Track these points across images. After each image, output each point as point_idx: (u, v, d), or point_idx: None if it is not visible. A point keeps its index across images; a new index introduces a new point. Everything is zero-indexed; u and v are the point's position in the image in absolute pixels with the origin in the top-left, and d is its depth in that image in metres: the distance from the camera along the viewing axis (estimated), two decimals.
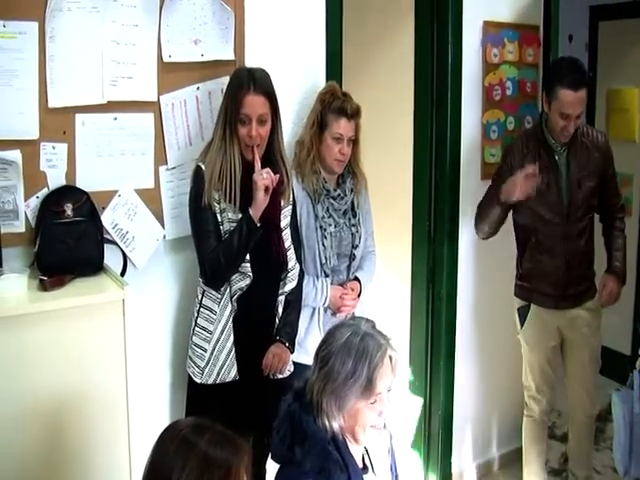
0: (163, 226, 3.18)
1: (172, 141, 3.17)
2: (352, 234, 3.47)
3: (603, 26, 5.98)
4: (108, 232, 3.02)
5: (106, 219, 3.01)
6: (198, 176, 2.99)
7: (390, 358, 2.26)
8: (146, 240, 3.13)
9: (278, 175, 3.01)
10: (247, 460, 1.92)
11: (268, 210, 3.00)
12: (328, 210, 3.39)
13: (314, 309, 3.40)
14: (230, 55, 3.28)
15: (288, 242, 3.15)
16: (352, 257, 3.48)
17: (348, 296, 3.42)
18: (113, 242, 3.03)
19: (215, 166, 2.95)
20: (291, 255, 3.15)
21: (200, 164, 3.00)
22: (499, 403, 4.60)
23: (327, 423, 2.25)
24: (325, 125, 3.33)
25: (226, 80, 3.11)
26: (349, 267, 3.49)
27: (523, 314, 3.89)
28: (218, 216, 2.98)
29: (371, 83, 4.33)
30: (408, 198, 4.10)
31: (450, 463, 4.39)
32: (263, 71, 3.06)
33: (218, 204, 2.97)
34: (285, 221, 3.14)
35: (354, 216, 3.49)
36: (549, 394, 4.00)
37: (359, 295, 3.48)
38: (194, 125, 3.23)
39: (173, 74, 3.14)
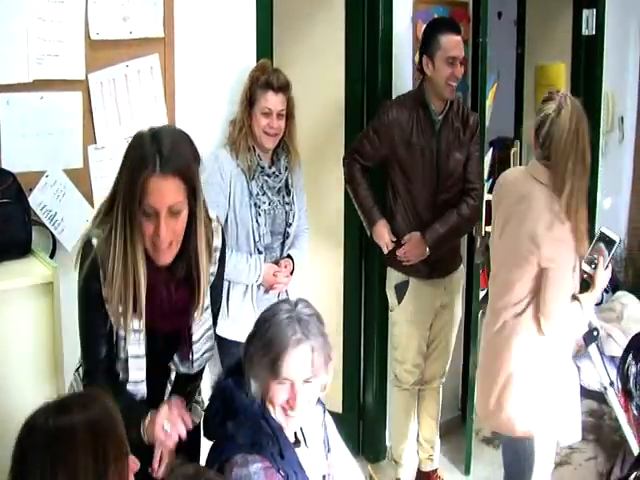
0: (93, 206, 3.12)
1: (101, 120, 3.12)
2: (286, 212, 3.50)
3: (531, 3, 6.04)
4: (36, 214, 2.97)
5: (34, 201, 2.96)
6: (89, 259, 2.27)
7: (312, 349, 2.26)
8: (75, 221, 3.07)
9: (189, 419, 2.35)
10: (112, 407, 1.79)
11: (176, 322, 2.42)
12: (262, 187, 3.41)
13: (247, 286, 3.42)
14: (160, 32, 3.23)
15: (204, 328, 2.50)
16: (286, 235, 3.51)
17: (281, 273, 3.45)
18: (41, 224, 2.99)
19: (115, 263, 2.22)
20: (202, 358, 2.53)
21: (92, 238, 2.28)
22: None
23: (252, 394, 2.28)
24: (254, 101, 3.35)
25: (156, 59, 3.08)
26: (283, 245, 3.52)
27: (402, 289, 3.92)
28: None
29: (302, 61, 4.31)
30: (341, 171, 4.10)
31: (384, 435, 4.45)
32: (176, 134, 2.33)
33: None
34: (207, 301, 2.46)
35: (288, 194, 3.52)
36: (423, 365, 4.08)
37: (292, 273, 3.51)
38: (124, 104, 3.18)
39: (101, 52, 3.08)
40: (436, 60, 3.68)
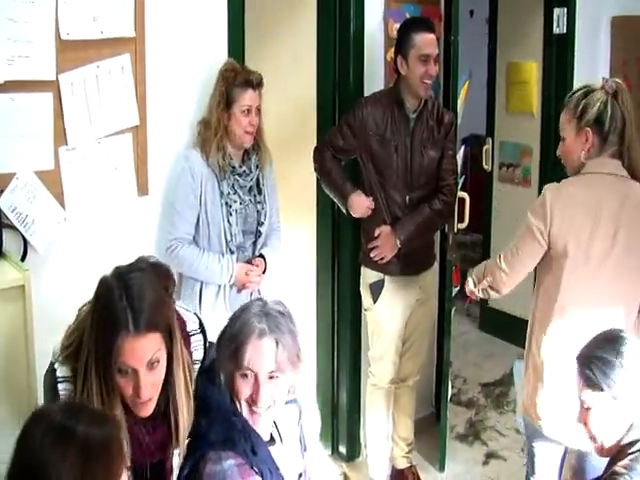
0: (64, 208, 3.12)
1: (72, 121, 3.10)
2: (258, 211, 3.50)
3: (502, 2, 6.08)
4: (7, 216, 2.95)
5: (4, 203, 2.93)
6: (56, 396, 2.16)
7: (276, 343, 2.27)
8: (47, 223, 3.06)
9: None
10: (122, 428, 1.86)
11: (158, 455, 2.36)
12: (233, 187, 3.41)
13: (220, 286, 3.41)
14: (130, 32, 3.22)
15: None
16: (258, 234, 3.52)
17: (253, 273, 3.45)
18: (12, 226, 2.97)
19: None
20: None
21: (56, 366, 2.19)
22: None
23: (223, 391, 2.29)
24: (232, 100, 3.34)
25: (127, 59, 3.07)
26: (255, 244, 3.53)
27: (377, 288, 3.92)
28: None
29: (273, 60, 4.31)
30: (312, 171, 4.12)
31: (358, 433, 4.45)
32: (145, 276, 2.15)
33: None
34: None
35: (259, 193, 3.52)
36: (399, 363, 4.09)
37: (264, 272, 3.51)
38: (95, 104, 3.16)
39: (72, 52, 3.06)
40: (410, 59, 3.69)
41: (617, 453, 2.41)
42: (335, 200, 3.98)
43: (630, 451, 2.36)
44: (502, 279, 3.05)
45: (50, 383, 2.20)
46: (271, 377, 2.27)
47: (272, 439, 2.41)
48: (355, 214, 3.89)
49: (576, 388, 2.47)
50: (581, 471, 3.08)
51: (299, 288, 4.41)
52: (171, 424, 2.25)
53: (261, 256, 3.52)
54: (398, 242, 3.80)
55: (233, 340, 2.27)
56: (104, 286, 2.13)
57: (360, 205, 3.84)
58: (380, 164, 3.80)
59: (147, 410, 2.16)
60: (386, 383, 4.08)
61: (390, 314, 3.94)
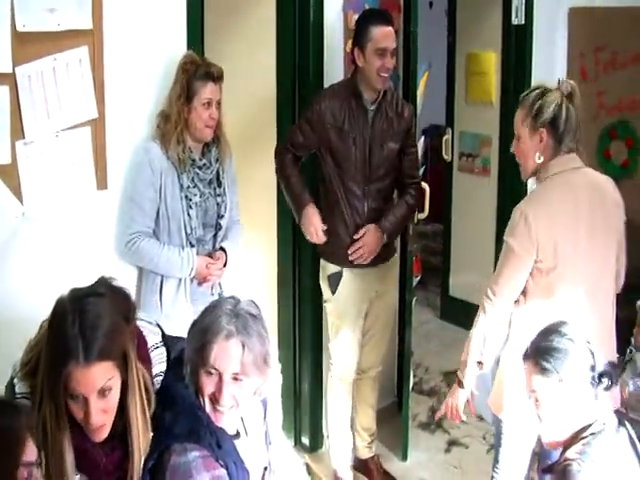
0: (22, 202, 3.08)
1: (29, 115, 3.06)
2: (218, 204, 3.49)
3: None
4: None
5: None
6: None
7: (242, 345, 2.27)
8: (4, 218, 3.04)
9: None
10: (29, 421, 1.85)
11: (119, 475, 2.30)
12: (193, 180, 3.39)
13: (180, 280, 3.39)
14: (88, 24, 3.18)
15: None
16: (218, 227, 3.51)
17: (214, 266, 3.44)
18: None
19: (42, 451, 1.99)
20: None
21: (15, 381, 2.18)
22: None
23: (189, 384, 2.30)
24: (193, 93, 3.31)
25: (85, 52, 3.03)
26: (215, 237, 3.52)
27: (336, 280, 3.91)
28: None
29: (233, 51, 4.30)
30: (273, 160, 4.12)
31: (321, 424, 4.48)
32: (102, 301, 2.13)
33: None
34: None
35: (219, 186, 3.51)
36: (359, 354, 4.10)
37: (225, 265, 3.50)
38: (53, 98, 3.13)
39: (28, 45, 3.02)
40: (367, 51, 3.69)
41: (570, 439, 2.48)
42: (291, 207, 3.95)
43: (582, 436, 2.44)
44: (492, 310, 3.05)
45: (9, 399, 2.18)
46: (235, 379, 2.27)
47: (237, 433, 2.42)
48: (303, 227, 3.88)
49: (525, 386, 2.55)
50: (543, 455, 3.13)
51: (260, 281, 4.41)
52: (127, 451, 2.22)
53: (222, 249, 3.52)
54: (385, 237, 3.84)
55: (201, 336, 2.27)
56: (59, 308, 2.10)
57: (310, 222, 3.83)
58: (339, 157, 3.80)
59: (100, 436, 2.15)
60: (347, 374, 4.10)
61: (349, 305, 3.95)
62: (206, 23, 3.68)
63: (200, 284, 3.44)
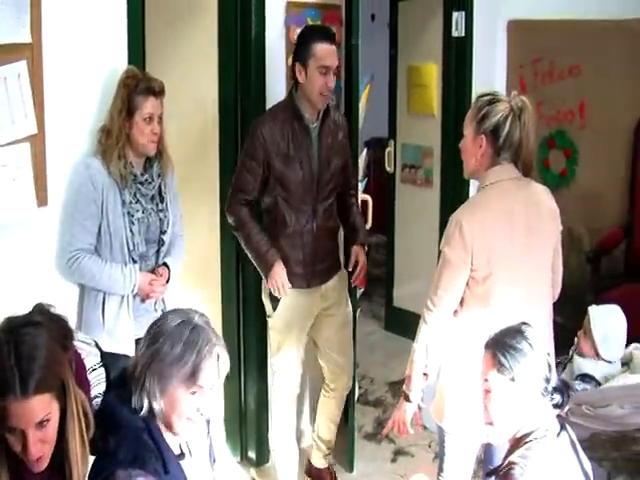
0: None
1: None
2: (160, 219, 3.45)
3: (402, 6, 6.18)
4: None
5: None
6: None
7: (218, 356, 2.29)
8: None
9: None
10: None
11: None
12: (135, 195, 3.36)
13: (123, 297, 3.35)
14: (26, 38, 3.12)
15: None
16: (161, 243, 3.47)
17: (157, 282, 3.41)
18: None
19: None
20: None
21: None
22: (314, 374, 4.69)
23: (146, 404, 2.26)
24: (134, 108, 3.28)
25: (24, 66, 2.98)
26: (158, 253, 3.48)
27: (275, 298, 3.87)
28: None
29: (174, 65, 4.28)
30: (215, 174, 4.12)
31: (267, 438, 4.45)
32: (39, 330, 2.07)
33: None
34: None
35: (162, 201, 3.47)
36: (302, 370, 4.08)
37: (168, 281, 3.48)
38: None
39: None
40: (309, 68, 3.65)
41: (515, 442, 2.52)
42: (253, 261, 3.88)
43: (525, 440, 2.48)
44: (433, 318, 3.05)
45: None
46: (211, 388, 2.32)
47: (182, 453, 2.40)
48: (269, 284, 3.80)
49: (480, 372, 2.57)
50: (487, 461, 3.16)
51: (204, 295, 4.39)
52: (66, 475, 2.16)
53: (165, 265, 3.49)
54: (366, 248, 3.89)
55: (184, 358, 2.26)
56: None
57: (279, 279, 3.77)
58: (287, 182, 3.74)
59: (40, 466, 2.08)
60: (289, 389, 4.08)
61: (291, 322, 3.93)
62: (147, 37, 3.65)
63: (143, 301, 3.41)
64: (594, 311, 3.77)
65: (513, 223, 2.98)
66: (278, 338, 3.98)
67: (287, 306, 3.88)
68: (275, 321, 3.96)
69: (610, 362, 3.70)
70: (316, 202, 3.81)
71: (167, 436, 2.33)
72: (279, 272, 3.77)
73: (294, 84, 3.80)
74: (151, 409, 2.28)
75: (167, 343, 2.28)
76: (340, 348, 4.13)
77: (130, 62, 3.48)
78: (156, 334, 2.32)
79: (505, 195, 3.01)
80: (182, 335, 2.28)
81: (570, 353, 3.89)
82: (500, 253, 2.95)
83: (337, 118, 3.93)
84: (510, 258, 2.97)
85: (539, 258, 3.06)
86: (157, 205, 3.45)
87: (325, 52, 3.65)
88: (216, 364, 2.30)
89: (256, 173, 3.74)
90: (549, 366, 2.53)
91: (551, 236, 3.10)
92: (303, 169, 3.74)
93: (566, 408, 2.61)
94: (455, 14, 5.36)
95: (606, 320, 3.71)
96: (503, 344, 2.51)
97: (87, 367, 2.39)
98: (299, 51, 3.72)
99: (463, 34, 5.39)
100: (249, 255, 3.86)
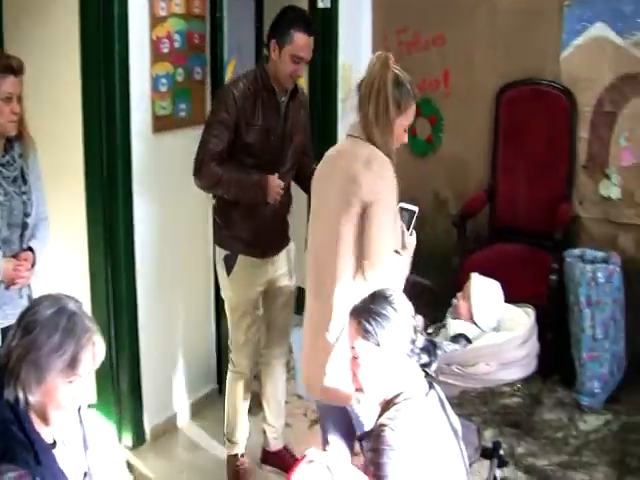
0: None
1: None
2: (23, 202, 3.35)
3: None
4: None
5: None
6: None
7: (94, 344, 2.27)
8: None
9: None
10: None
11: None
12: None
13: None
14: None
15: None
16: (24, 226, 3.37)
17: (22, 267, 3.32)
18: None
19: None
20: None
21: None
22: (187, 355, 4.75)
23: (21, 395, 2.21)
24: None
25: None
26: (22, 237, 3.37)
27: (229, 261, 3.89)
28: None
29: (33, 43, 4.14)
30: (80, 161, 4.05)
31: (142, 420, 4.46)
32: None
33: None
34: None
35: (24, 183, 3.37)
36: (258, 349, 4.10)
37: (33, 265, 3.39)
38: None
39: None
40: (284, 53, 3.68)
41: (385, 405, 2.61)
42: (246, 198, 3.81)
43: (395, 402, 2.58)
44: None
45: None
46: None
47: (54, 442, 2.38)
48: (269, 196, 3.77)
49: (347, 340, 2.65)
50: (357, 426, 3.25)
51: (71, 277, 4.30)
52: None
53: (30, 249, 3.40)
54: None
55: (63, 347, 2.20)
56: None
57: (277, 186, 3.77)
58: (252, 150, 3.77)
59: None
60: (247, 369, 4.08)
61: (244, 286, 3.93)
62: (5, 15, 3.53)
63: (8, 287, 3.30)
64: (476, 280, 3.85)
65: (326, 185, 3.23)
66: (234, 306, 3.98)
67: (240, 272, 3.89)
68: (231, 288, 3.94)
69: (483, 331, 3.81)
70: (284, 177, 3.84)
71: (38, 426, 2.30)
72: (274, 180, 3.76)
73: (265, 57, 3.84)
74: (25, 400, 2.24)
75: (43, 332, 2.21)
76: (281, 320, 4.14)
77: None
78: (30, 323, 2.24)
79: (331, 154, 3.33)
80: (59, 324, 2.22)
81: (446, 316, 3.98)
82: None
83: (302, 93, 3.99)
84: (313, 222, 3.30)
85: (333, 225, 3.15)
86: (20, 187, 3.34)
87: (303, 43, 3.69)
88: (92, 351, 2.29)
89: (224, 138, 3.73)
90: (414, 328, 2.61)
91: (348, 203, 3.10)
92: (270, 140, 3.78)
93: (434, 367, 2.70)
94: None
95: (487, 292, 3.79)
96: (368, 310, 2.58)
97: None
98: (277, 30, 3.74)
99: (329, 5, 5.44)
100: (241, 196, 3.80)
